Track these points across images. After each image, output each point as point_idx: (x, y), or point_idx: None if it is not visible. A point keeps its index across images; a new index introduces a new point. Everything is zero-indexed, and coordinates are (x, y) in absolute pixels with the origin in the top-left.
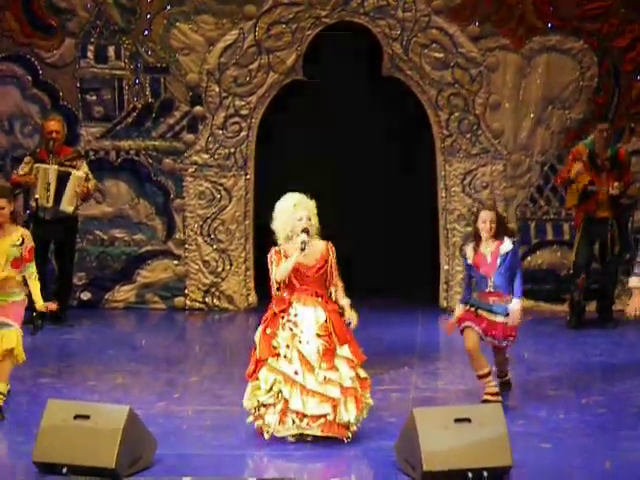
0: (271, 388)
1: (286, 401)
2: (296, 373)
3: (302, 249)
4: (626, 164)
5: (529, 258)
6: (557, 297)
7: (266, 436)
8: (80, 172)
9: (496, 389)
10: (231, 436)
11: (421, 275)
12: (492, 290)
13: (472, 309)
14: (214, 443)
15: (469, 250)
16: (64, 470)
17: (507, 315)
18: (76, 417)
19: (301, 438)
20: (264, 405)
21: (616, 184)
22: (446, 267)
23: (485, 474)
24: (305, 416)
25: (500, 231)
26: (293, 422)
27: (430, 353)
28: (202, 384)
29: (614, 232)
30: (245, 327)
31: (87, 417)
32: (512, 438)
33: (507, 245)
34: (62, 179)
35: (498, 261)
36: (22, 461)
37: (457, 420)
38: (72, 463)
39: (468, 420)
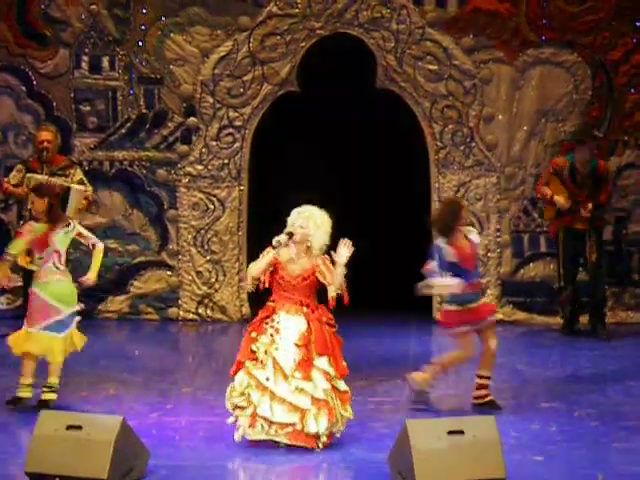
0: (243, 392)
1: (255, 406)
2: (267, 379)
3: (273, 246)
4: (605, 177)
5: (522, 270)
6: (551, 309)
7: (236, 437)
8: (80, 186)
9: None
10: (224, 447)
11: (414, 287)
12: (474, 281)
13: (461, 308)
14: (207, 454)
15: (445, 246)
16: None
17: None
18: (68, 428)
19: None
20: (238, 407)
21: (589, 207)
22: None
23: None
24: (272, 423)
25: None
26: (262, 427)
27: (423, 365)
28: (195, 395)
29: (592, 243)
30: (238, 338)
31: (79, 428)
32: (505, 450)
33: (475, 234)
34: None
35: (475, 251)
36: (14, 472)
37: (450, 432)
38: (64, 474)
39: (461, 432)
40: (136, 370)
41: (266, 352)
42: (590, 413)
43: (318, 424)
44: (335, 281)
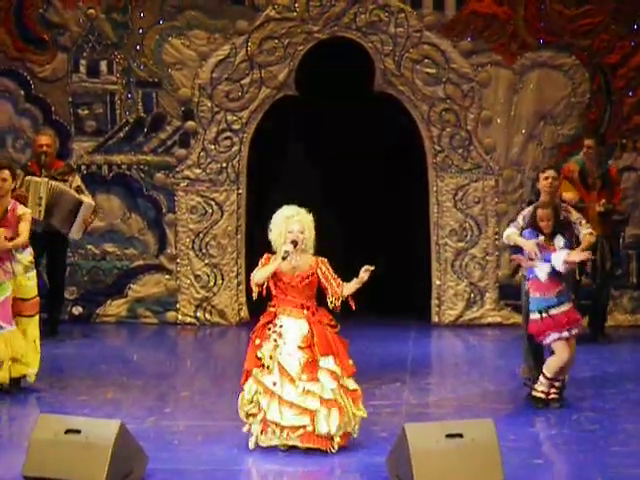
0: (252, 399)
1: (265, 412)
2: (274, 384)
3: (283, 258)
4: (617, 182)
5: (520, 273)
6: None
7: (250, 445)
8: (91, 201)
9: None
10: (222, 451)
11: (413, 291)
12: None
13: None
14: (205, 458)
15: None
16: None
17: None
18: (67, 432)
19: (291, 448)
20: (250, 414)
21: (603, 202)
22: (438, 282)
23: None
24: (283, 427)
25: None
26: (274, 432)
27: (422, 368)
28: (193, 399)
29: (604, 249)
30: (237, 342)
31: (78, 432)
32: (503, 454)
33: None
34: (75, 207)
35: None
36: (12, 475)
37: (448, 435)
38: (62, 478)
39: (460, 435)
40: (134, 374)
41: (271, 357)
42: (589, 416)
43: (329, 424)
44: (345, 292)
